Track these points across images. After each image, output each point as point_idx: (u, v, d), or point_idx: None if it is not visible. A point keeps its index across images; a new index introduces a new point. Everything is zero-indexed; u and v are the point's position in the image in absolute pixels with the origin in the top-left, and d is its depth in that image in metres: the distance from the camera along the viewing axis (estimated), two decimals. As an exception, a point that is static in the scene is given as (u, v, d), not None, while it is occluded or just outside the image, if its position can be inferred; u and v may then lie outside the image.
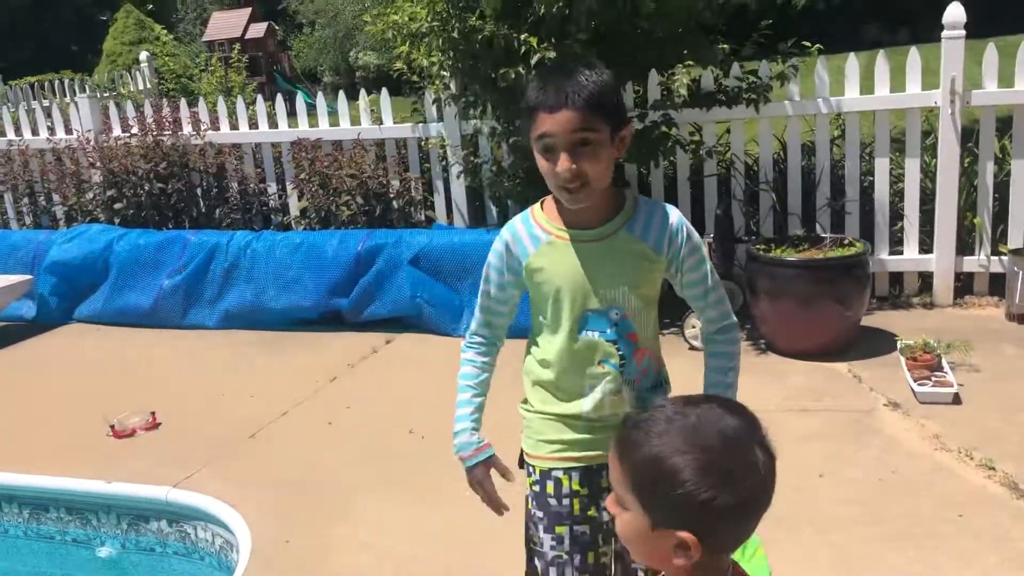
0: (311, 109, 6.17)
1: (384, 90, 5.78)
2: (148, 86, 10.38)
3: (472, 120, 5.35)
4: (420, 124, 5.64)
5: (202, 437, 3.99)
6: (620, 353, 1.79)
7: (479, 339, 2.00)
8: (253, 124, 6.13)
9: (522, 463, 1.93)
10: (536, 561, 1.87)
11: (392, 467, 3.63)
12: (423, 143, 5.71)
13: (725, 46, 5.09)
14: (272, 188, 6.14)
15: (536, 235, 1.83)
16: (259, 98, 6.23)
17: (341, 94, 6.01)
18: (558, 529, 1.83)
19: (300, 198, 5.96)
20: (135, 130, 6.24)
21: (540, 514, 1.85)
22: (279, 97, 6.20)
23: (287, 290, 5.37)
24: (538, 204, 1.88)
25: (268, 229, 5.96)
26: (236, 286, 5.49)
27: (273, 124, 6.08)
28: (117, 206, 6.15)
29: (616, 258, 1.77)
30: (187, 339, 5.42)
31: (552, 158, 1.71)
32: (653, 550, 1.18)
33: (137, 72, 10.62)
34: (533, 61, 4.54)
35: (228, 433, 4.02)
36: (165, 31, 11.98)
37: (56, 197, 6.63)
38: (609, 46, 4.89)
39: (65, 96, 10.06)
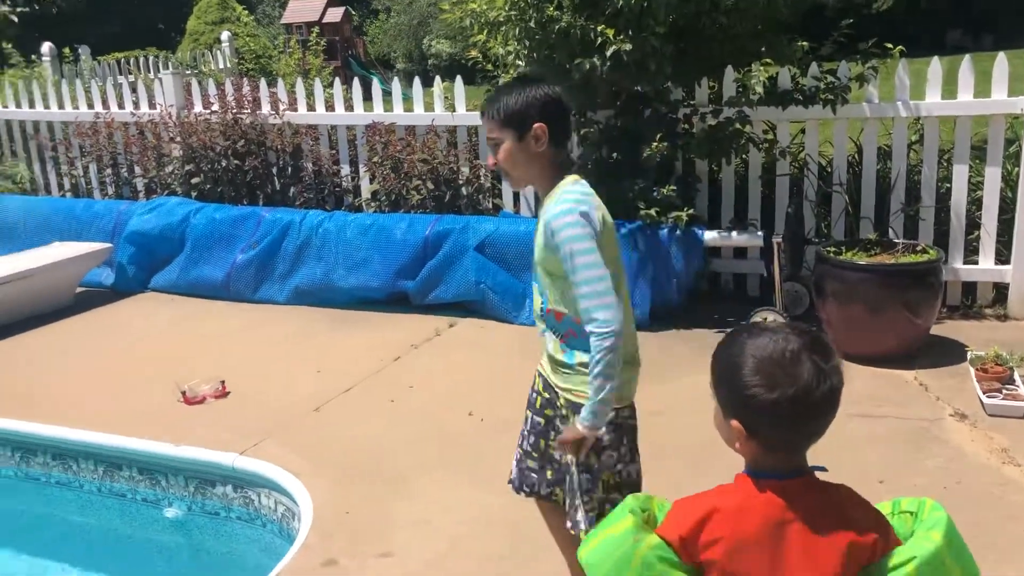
0: (386, 95, 6.27)
1: (459, 78, 5.85)
2: (228, 65, 10.63)
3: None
4: (492, 112, 5.69)
5: (268, 408, 4.11)
6: (543, 308, 2.25)
7: None
8: (330, 106, 6.25)
9: None
10: None
11: (451, 447, 3.70)
12: (493, 131, 5.76)
13: (804, 44, 5.03)
14: (345, 170, 6.26)
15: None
16: (336, 81, 6.35)
17: (416, 80, 6.09)
18: (526, 411, 2.44)
19: (372, 181, 6.06)
20: (215, 107, 6.41)
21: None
22: (355, 81, 6.31)
23: (356, 270, 5.48)
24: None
25: (340, 210, 6.07)
26: (307, 264, 5.62)
27: (349, 107, 6.19)
28: (195, 180, 6.33)
29: (538, 236, 2.20)
30: (257, 313, 5.56)
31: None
32: (727, 437, 1.44)
33: (218, 51, 10.88)
34: (608, 53, 4.55)
35: (293, 405, 4.13)
36: (246, 12, 12.23)
37: (137, 169, 6.85)
38: (686, 41, 4.87)
39: (148, 72, 10.36)
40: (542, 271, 2.20)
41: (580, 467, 2.18)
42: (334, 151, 6.29)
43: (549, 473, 2.38)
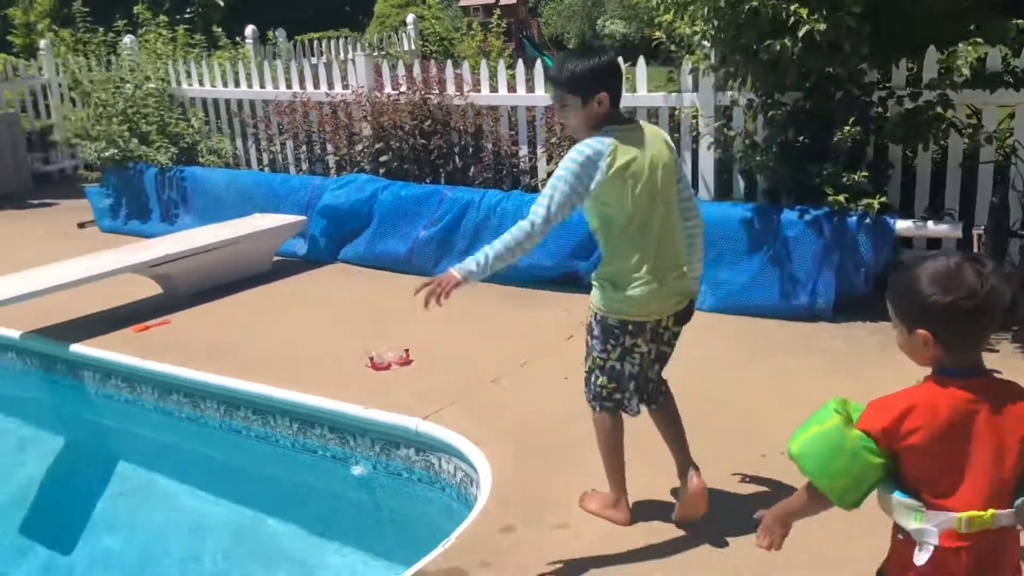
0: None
1: (641, 58, 5.81)
2: (412, 47, 10.99)
3: (728, 92, 5.28)
4: (673, 94, 5.64)
5: (448, 377, 4.27)
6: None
7: None
8: (511, 88, 6.37)
9: None
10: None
11: (627, 426, 3.72)
12: (675, 113, 5.70)
13: (1018, 23, 4.68)
14: (523, 151, 6.37)
15: None
16: (519, 63, 6.45)
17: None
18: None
19: (549, 162, 6.14)
20: (404, 88, 6.67)
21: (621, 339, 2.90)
22: (539, 62, 6.39)
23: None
24: None
25: (516, 190, 6.19)
26: (484, 241, 5.64)
27: (530, 89, 6.29)
28: (383, 158, 6.62)
29: None
30: (436, 287, 5.76)
31: None
32: (912, 350, 1.73)
33: (403, 34, 11.28)
34: (800, 33, 4.41)
35: (472, 376, 4.27)
36: (431, -5, 12.58)
37: (329, 147, 7.23)
38: (884, 20, 4.65)
39: (337, 54, 10.86)
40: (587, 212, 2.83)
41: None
42: (513, 132, 6.41)
43: None
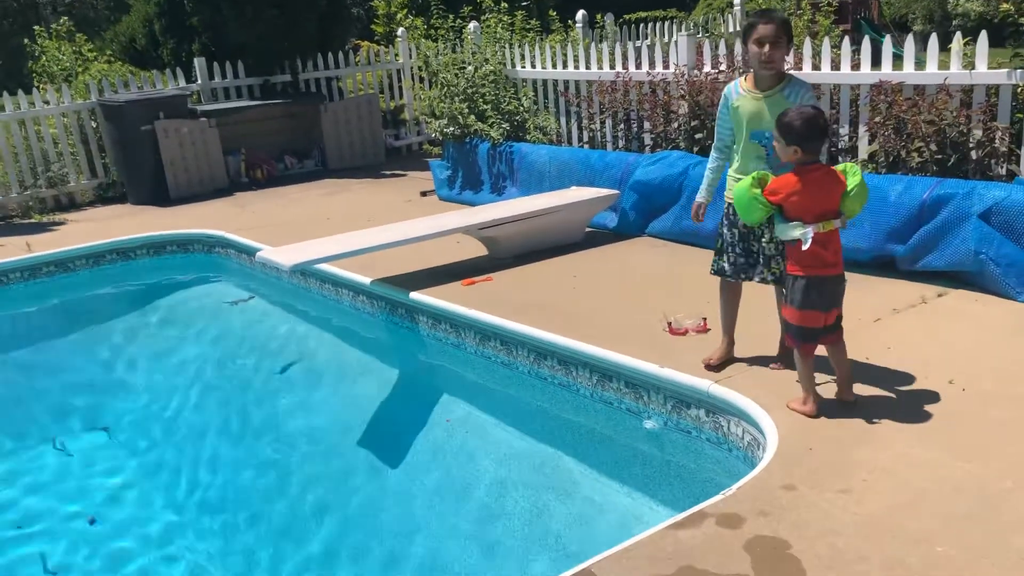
0: (896, 58, 6.05)
1: (983, 33, 5.43)
2: (738, 28, 10.95)
3: (1084, 67, 4.81)
4: (1019, 70, 5.22)
5: (744, 345, 4.36)
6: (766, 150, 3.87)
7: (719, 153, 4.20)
8: (835, 66, 6.22)
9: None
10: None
11: (925, 410, 3.63)
12: (1019, 91, 5.27)
13: None
14: (844, 130, 6.21)
15: (739, 91, 3.93)
16: (845, 40, 6.28)
17: (932, 38, 5.79)
18: (726, 230, 4.11)
19: (871, 141, 5.94)
20: (723, 67, 6.75)
21: (725, 221, 4.12)
22: (865, 41, 6.18)
23: (843, 230, 5.45)
24: (741, 78, 3.97)
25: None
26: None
27: (856, 67, 6.10)
28: (698, 136, 6.77)
29: (776, 106, 3.74)
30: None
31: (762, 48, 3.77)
32: (786, 155, 3.53)
33: (730, 15, 11.26)
34: None
35: (763, 346, 4.33)
36: (760, -25, 12.36)
37: (646, 125, 7.50)
38: None
39: (660, 35, 11.10)
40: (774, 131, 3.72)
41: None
42: (834, 111, 6.26)
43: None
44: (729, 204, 4.00)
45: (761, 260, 3.97)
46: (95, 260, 7.83)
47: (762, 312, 4.36)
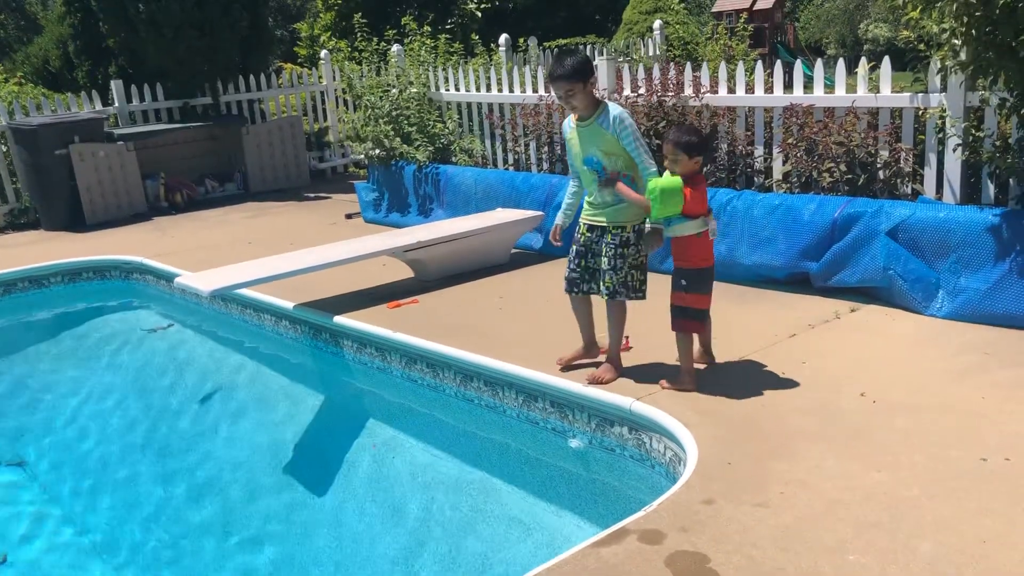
0: (808, 81, 6.27)
1: (886, 58, 5.67)
2: (657, 52, 11.20)
3: (979, 91, 5.05)
4: (920, 94, 5.45)
5: (667, 364, 4.44)
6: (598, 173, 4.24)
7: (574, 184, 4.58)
8: (749, 89, 6.41)
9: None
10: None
11: (837, 422, 3.75)
12: (920, 114, 5.51)
13: None
14: (758, 151, 6.38)
15: (570, 125, 4.31)
16: (758, 64, 6.48)
17: (840, 62, 6.01)
18: (574, 247, 4.42)
19: (784, 162, 6.12)
20: (642, 90, 6.89)
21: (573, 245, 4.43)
22: (778, 64, 6.39)
23: (759, 248, 5.62)
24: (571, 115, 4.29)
25: (748, 190, 6.22)
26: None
27: (768, 90, 6.29)
28: (618, 158, 6.87)
29: (593, 133, 4.17)
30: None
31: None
32: (684, 168, 4.02)
33: (649, 39, 11.51)
34: (1062, 27, 4.17)
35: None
36: (680, 2, 12.71)
37: (569, 147, 7.59)
38: None
39: (585, 61, 11.28)
40: (602, 154, 4.16)
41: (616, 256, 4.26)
42: (749, 132, 6.44)
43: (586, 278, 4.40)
44: (578, 224, 4.41)
45: (597, 275, 4.31)
46: (6, 288, 7.58)
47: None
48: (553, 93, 4.24)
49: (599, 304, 4.44)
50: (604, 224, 4.24)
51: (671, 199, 3.98)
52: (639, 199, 4.11)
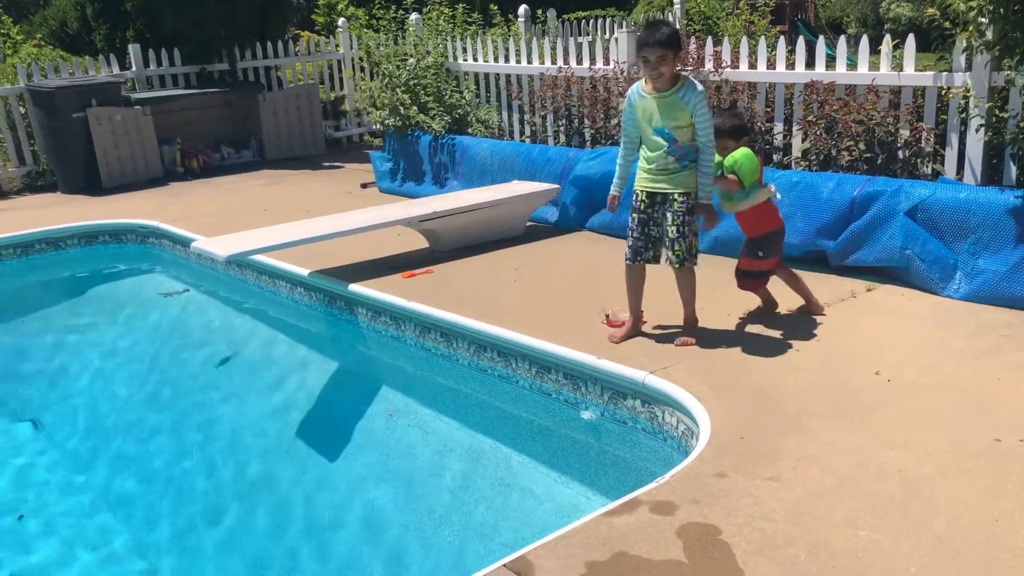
0: (830, 60, 6.20)
1: (910, 36, 5.61)
2: (678, 26, 11.09)
3: (1004, 71, 4.99)
4: (943, 73, 5.39)
5: (669, 332, 4.45)
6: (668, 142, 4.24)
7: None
8: (771, 65, 6.35)
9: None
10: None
11: (851, 399, 3.75)
12: (943, 93, 5.46)
13: None
14: (778, 128, 6.34)
15: (641, 94, 4.29)
16: (780, 40, 6.42)
17: (864, 40, 5.95)
18: (635, 215, 4.40)
19: (804, 139, 6.08)
20: (662, 64, 6.82)
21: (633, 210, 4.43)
22: (800, 41, 6.33)
23: (776, 225, 5.58)
24: (642, 80, 4.31)
25: (767, 167, 6.18)
26: (728, 217, 5.83)
27: (790, 66, 6.24)
28: (636, 132, 6.83)
29: (671, 106, 4.17)
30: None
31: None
32: (725, 148, 4.40)
33: (670, 13, 11.40)
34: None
35: (708, 343, 4.41)
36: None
37: (587, 120, 7.56)
38: None
39: (603, 33, 11.20)
40: (674, 126, 4.17)
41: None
42: (768, 109, 6.40)
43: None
44: (635, 193, 4.37)
45: (665, 243, 4.33)
46: (23, 250, 7.62)
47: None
48: (637, 57, 4.34)
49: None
50: (667, 191, 4.26)
51: (751, 165, 4.36)
52: (734, 183, 4.40)
